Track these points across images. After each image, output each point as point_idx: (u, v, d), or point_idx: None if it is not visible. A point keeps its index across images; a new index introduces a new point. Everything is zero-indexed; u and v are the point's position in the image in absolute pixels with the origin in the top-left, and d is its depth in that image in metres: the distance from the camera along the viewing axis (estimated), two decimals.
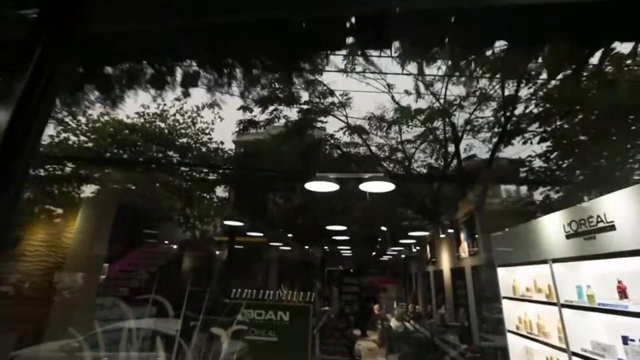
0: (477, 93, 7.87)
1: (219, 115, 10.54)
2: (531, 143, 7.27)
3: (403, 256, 15.55)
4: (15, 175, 0.92)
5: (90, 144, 8.75)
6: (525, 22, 1.44)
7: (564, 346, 3.13)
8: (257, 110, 8.27)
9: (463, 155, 9.05)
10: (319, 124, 9.00)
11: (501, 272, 4.52)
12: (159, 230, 11.53)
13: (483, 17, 1.39)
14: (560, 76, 5.47)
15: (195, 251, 11.63)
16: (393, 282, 15.30)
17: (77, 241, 6.71)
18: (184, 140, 10.73)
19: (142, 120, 10.13)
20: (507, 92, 7.54)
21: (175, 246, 11.65)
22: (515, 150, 7.97)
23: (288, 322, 4.52)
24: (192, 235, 11.58)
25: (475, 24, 1.43)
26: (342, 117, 9.04)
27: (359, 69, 7.46)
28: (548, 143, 7.00)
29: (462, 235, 7.87)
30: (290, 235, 11.94)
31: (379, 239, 13.05)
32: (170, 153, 10.54)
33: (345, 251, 15.61)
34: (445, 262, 9.34)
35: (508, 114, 7.68)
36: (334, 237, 10.79)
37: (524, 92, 7.18)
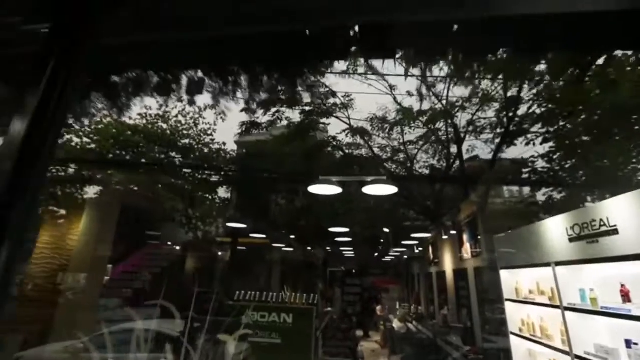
0: (480, 94, 7.87)
1: (221, 116, 10.59)
2: (534, 144, 7.26)
3: (405, 257, 15.55)
4: (32, 182, 0.96)
5: (93, 146, 8.81)
6: (528, 31, 1.46)
7: (567, 349, 3.13)
8: (259, 111, 8.30)
9: (465, 157, 9.05)
10: (321, 126, 9.02)
11: (504, 274, 4.52)
12: (162, 231, 11.59)
13: (486, 26, 1.41)
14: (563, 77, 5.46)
15: (198, 252, 11.68)
16: (395, 283, 15.29)
17: (82, 243, 6.76)
18: (186, 141, 10.78)
19: (144, 121, 10.18)
20: (509, 93, 7.53)
21: (178, 247, 11.70)
22: (518, 151, 7.97)
23: (291, 324, 4.55)
24: (194, 236, 11.63)
25: (478, 34, 1.44)
26: (344, 118, 9.07)
27: (361, 70, 7.48)
28: (551, 144, 6.99)
29: (465, 237, 7.87)
30: (292, 236, 11.97)
31: (382, 240, 13.06)
32: (173, 154, 10.59)
33: (348, 252, 15.63)
34: (448, 263, 9.34)
35: (510, 114, 7.67)
36: (336, 239, 10.81)
37: (526, 93, 7.17)
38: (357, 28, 1.42)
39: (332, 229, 8.90)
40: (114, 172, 8.87)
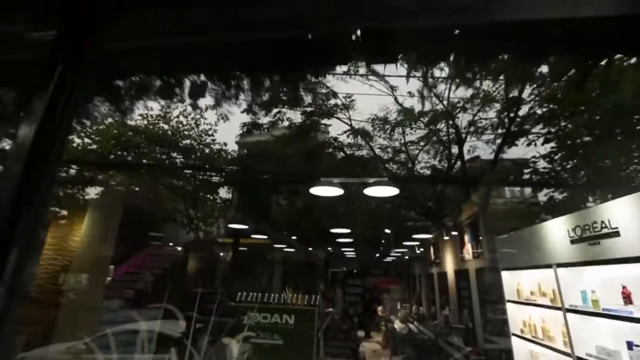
0: (481, 95, 7.87)
1: (223, 118, 10.59)
2: (535, 145, 7.25)
3: (407, 257, 15.55)
4: (41, 184, 0.98)
5: (94, 146, 8.82)
6: (530, 36, 1.47)
7: (568, 350, 3.14)
8: (260, 112, 8.30)
9: (467, 157, 9.05)
10: (322, 127, 9.03)
11: (505, 275, 4.53)
12: (163, 232, 11.62)
13: (488, 32, 1.41)
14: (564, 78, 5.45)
15: (199, 253, 11.70)
16: (397, 283, 15.30)
17: (84, 244, 6.78)
18: (187, 141, 10.79)
19: (145, 122, 10.19)
20: (510, 94, 7.52)
21: (179, 248, 11.72)
22: (519, 151, 7.95)
23: (293, 325, 4.56)
24: (195, 236, 11.65)
25: (480, 39, 1.45)
26: (345, 119, 9.08)
27: (362, 71, 7.48)
28: (552, 144, 6.98)
29: (466, 237, 7.88)
30: (294, 237, 11.98)
31: (383, 241, 13.07)
32: (174, 155, 10.60)
33: (349, 253, 15.63)
34: (449, 264, 9.34)
35: (512, 114, 7.66)
36: (337, 240, 10.82)
37: (527, 93, 7.17)
38: (359, 33, 1.43)
39: (333, 230, 8.90)
40: (115, 173, 8.89)
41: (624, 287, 2.71)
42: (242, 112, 8.15)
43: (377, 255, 16.39)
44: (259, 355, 4.33)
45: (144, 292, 8.85)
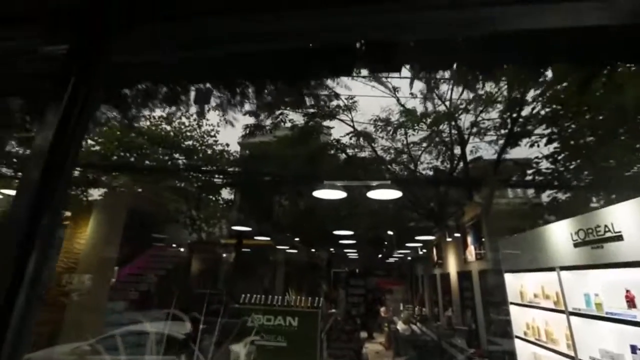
0: (484, 96, 7.85)
1: (225, 120, 10.61)
2: (538, 146, 7.24)
3: (409, 258, 15.54)
4: (58, 190, 1.04)
5: (97, 148, 8.87)
6: (533, 45, 1.48)
7: (572, 353, 3.14)
8: (263, 114, 8.32)
9: (469, 158, 9.04)
10: (324, 129, 9.04)
11: (508, 277, 4.53)
12: (166, 233, 11.66)
13: (491, 42, 1.43)
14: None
15: (202, 254, 11.74)
16: (399, 284, 15.27)
17: (89, 245, 6.83)
18: (190, 142, 10.82)
19: (148, 123, 10.22)
20: (513, 94, 7.50)
21: (182, 249, 11.76)
22: (522, 152, 7.94)
23: (296, 327, 4.58)
24: (198, 237, 11.69)
25: (483, 48, 1.47)
26: (347, 120, 9.08)
27: (364, 72, 7.48)
28: (555, 144, 6.96)
29: (469, 239, 7.87)
30: (297, 239, 12.00)
31: (385, 242, 13.07)
32: (176, 156, 10.63)
33: (352, 253, 15.64)
34: (452, 265, 9.33)
35: (514, 115, 7.65)
36: (340, 241, 10.84)
37: (530, 94, 7.15)
38: (362, 45, 1.46)
39: (336, 232, 8.92)
40: (118, 174, 8.94)
41: (627, 291, 2.71)
42: (245, 114, 8.19)
43: (380, 256, 16.39)
44: (263, 357, 4.35)
45: (148, 294, 8.89)
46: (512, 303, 4.39)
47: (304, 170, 8.56)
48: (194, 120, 10.70)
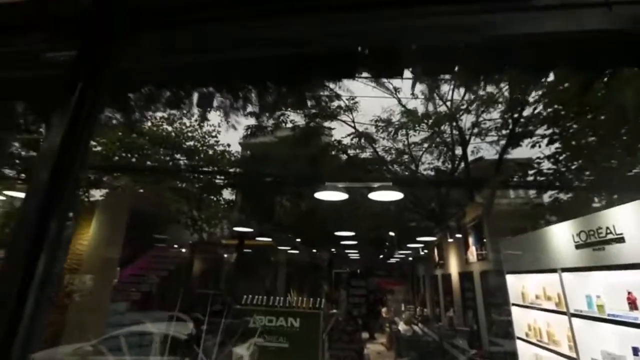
0: (485, 97, 7.85)
1: (224, 120, 10.59)
2: (539, 146, 7.23)
3: (411, 259, 15.54)
4: (67, 192, 1.07)
5: (99, 148, 8.89)
6: (533, 49, 1.49)
7: (574, 355, 3.14)
8: (264, 115, 8.32)
9: (470, 158, 9.03)
10: (326, 130, 9.06)
11: (510, 278, 4.53)
12: (168, 233, 11.68)
13: (493, 47, 1.44)
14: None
15: (204, 254, 11.76)
16: (401, 284, 15.27)
17: (92, 246, 6.85)
18: (191, 143, 10.84)
19: (149, 124, 10.24)
20: (514, 95, 7.50)
21: (184, 250, 11.78)
22: (524, 152, 7.93)
23: (298, 328, 4.60)
24: (200, 238, 11.71)
25: (484, 53, 1.48)
26: (348, 120, 9.09)
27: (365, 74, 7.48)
28: (557, 145, 6.95)
29: (470, 240, 7.87)
30: (298, 240, 12.02)
31: (387, 243, 13.07)
32: (177, 156, 10.66)
33: (353, 254, 15.64)
34: (454, 266, 9.33)
35: (516, 115, 7.65)
36: (341, 242, 10.84)
37: (532, 95, 7.14)
38: (365, 49, 1.47)
39: (337, 233, 8.93)
40: (120, 175, 8.97)
41: (629, 293, 2.71)
42: (246, 115, 8.19)
43: (381, 256, 16.39)
44: (265, 358, 4.37)
45: (149, 295, 8.91)
46: (513, 304, 4.39)
47: (305, 171, 8.57)
48: (195, 120, 10.73)
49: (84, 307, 6.31)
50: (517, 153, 8.12)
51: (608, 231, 2.74)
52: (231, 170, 11.05)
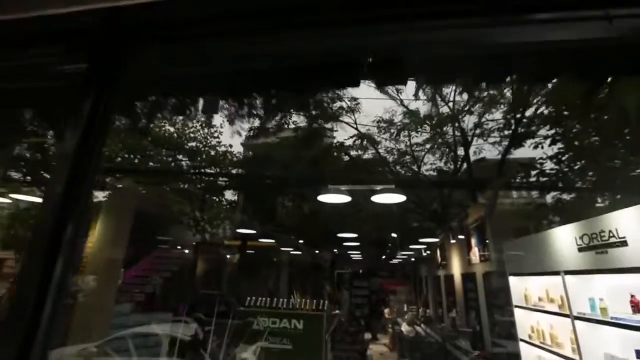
0: (487, 99, 7.85)
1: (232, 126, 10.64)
2: (542, 147, 7.21)
3: (413, 259, 15.52)
4: (82, 197, 1.12)
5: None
6: (536, 58, 1.51)
7: (577, 358, 3.15)
8: (268, 119, 8.36)
9: (473, 159, 9.02)
10: (328, 132, 9.08)
11: (513, 280, 4.54)
12: (171, 235, 11.74)
13: (494, 55, 1.46)
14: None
15: (207, 255, 11.80)
16: (403, 285, 15.25)
17: (97, 247, 6.89)
18: (193, 144, 10.88)
19: (151, 124, 10.28)
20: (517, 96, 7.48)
21: (187, 251, 11.83)
22: (527, 153, 7.91)
23: (302, 330, 4.62)
24: (202, 239, 11.76)
25: (485, 63, 1.50)
26: (351, 122, 9.11)
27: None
28: (560, 145, 6.93)
29: (473, 241, 7.86)
30: (301, 241, 12.04)
31: (389, 244, 13.07)
32: (180, 157, 10.71)
33: (356, 255, 15.64)
34: (456, 267, 9.32)
35: (519, 116, 7.64)
36: (344, 243, 10.86)
37: (534, 97, 7.13)
38: (369, 59, 1.49)
39: (340, 235, 8.94)
40: (123, 176, 9.02)
41: (632, 296, 2.72)
42: (250, 121, 8.23)
43: (384, 257, 16.38)
44: None
45: (153, 296, 8.96)
46: (517, 306, 4.40)
47: (308, 172, 8.59)
48: (197, 121, 10.77)
49: (89, 308, 6.35)
50: (520, 154, 8.11)
51: (611, 235, 2.75)
52: (234, 171, 11.08)
